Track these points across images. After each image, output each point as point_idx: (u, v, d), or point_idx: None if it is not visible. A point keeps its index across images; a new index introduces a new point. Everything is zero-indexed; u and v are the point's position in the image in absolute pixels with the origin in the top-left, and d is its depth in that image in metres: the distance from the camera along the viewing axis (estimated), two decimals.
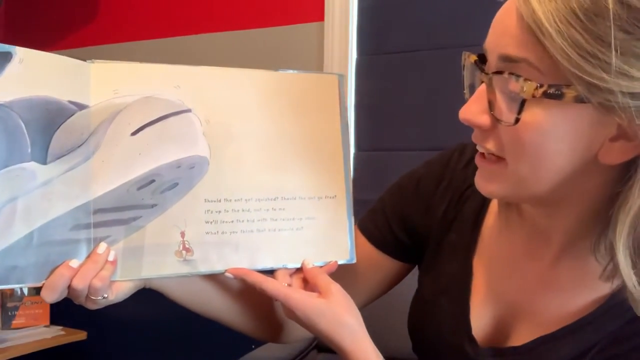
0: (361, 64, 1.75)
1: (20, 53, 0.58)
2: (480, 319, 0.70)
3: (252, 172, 0.69)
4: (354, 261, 0.73)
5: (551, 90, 0.51)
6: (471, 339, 0.68)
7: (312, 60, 1.78)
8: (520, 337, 0.66)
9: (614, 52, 0.48)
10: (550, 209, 0.62)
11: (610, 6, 0.47)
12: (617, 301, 0.60)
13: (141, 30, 2.08)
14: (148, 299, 2.21)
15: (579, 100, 0.50)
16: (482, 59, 0.57)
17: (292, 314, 0.66)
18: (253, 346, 1.42)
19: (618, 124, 0.51)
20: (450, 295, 0.72)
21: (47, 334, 1.87)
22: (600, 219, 0.57)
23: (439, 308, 0.72)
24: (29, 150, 0.58)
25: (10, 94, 0.57)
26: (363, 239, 0.79)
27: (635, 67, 0.48)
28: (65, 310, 1.98)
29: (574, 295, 0.63)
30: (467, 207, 0.73)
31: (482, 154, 0.59)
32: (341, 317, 0.66)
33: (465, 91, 0.60)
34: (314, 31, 1.78)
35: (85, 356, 2.14)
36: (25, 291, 1.89)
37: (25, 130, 0.58)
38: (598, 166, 0.54)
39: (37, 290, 1.92)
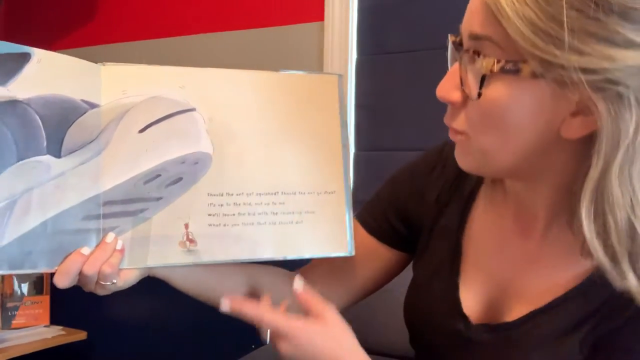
0: (361, 64, 1.75)
1: (39, 54, 0.63)
2: (471, 298, 0.72)
3: (254, 168, 0.72)
4: (353, 254, 0.76)
5: (508, 66, 0.54)
6: (463, 316, 0.71)
7: (312, 60, 1.78)
8: (512, 313, 0.68)
9: (566, 30, 0.51)
10: (527, 183, 0.66)
11: None
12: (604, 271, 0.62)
13: (140, 30, 2.08)
14: (148, 299, 2.20)
15: (535, 75, 0.54)
16: (461, 42, 0.61)
17: (294, 343, 0.65)
18: (253, 346, 1.42)
19: (578, 99, 0.54)
20: (440, 276, 0.75)
21: (47, 334, 1.87)
22: (573, 193, 0.59)
23: (431, 290, 0.75)
24: (45, 144, 0.63)
25: (28, 92, 0.62)
26: (361, 229, 0.83)
27: (586, 44, 0.51)
28: (65, 310, 1.99)
29: (562, 269, 0.66)
30: (457, 195, 0.77)
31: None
32: (340, 339, 0.67)
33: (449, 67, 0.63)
34: (314, 31, 1.78)
35: (85, 356, 2.15)
36: (25, 291, 1.89)
37: (41, 126, 0.63)
38: (562, 141, 0.58)
39: (37, 290, 1.93)
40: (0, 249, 0.60)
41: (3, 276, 1.86)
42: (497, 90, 0.56)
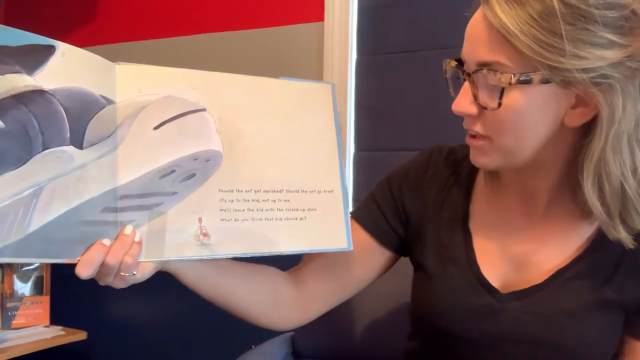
0: (361, 64, 1.75)
1: (63, 47, 0.65)
2: (491, 275, 0.79)
3: (261, 167, 0.77)
4: (351, 248, 0.81)
5: (522, 78, 0.67)
6: (492, 289, 0.78)
7: (312, 60, 1.78)
8: (536, 280, 0.76)
9: (565, 41, 0.64)
10: (534, 171, 0.76)
11: (557, 7, 0.64)
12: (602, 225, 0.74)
13: (140, 31, 2.09)
14: (148, 299, 2.20)
15: (544, 81, 0.67)
16: (460, 63, 0.71)
17: None
18: (253, 346, 1.42)
19: (576, 94, 0.68)
20: (456, 261, 0.81)
21: (47, 334, 1.87)
22: (576, 169, 0.72)
23: (450, 276, 0.81)
24: (68, 135, 0.65)
25: (53, 83, 0.64)
26: (358, 228, 0.88)
27: (582, 50, 0.64)
28: (65, 310, 1.99)
29: (572, 235, 0.77)
30: (454, 189, 0.85)
31: (473, 135, 0.73)
32: None
33: (450, 90, 0.74)
34: (314, 31, 1.78)
35: (85, 356, 2.15)
36: (25, 291, 1.89)
37: (65, 117, 0.65)
38: (565, 131, 0.71)
39: (37, 290, 1.93)
40: (26, 237, 0.62)
41: (3, 276, 1.87)
42: (514, 99, 0.68)
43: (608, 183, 0.69)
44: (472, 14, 0.70)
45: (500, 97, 0.68)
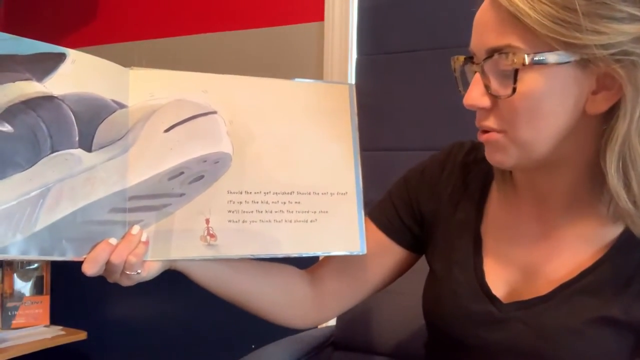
0: (361, 64, 1.75)
1: (73, 55, 0.68)
2: (497, 283, 0.77)
3: (271, 169, 0.77)
4: (364, 252, 0.80)
5: (537, 57, 0.63)
6: (493, 298, 0.76)
7: (312, 60, 1.79)
8: (540, 291, 0.73)
9: (580, 15, 0.61)
10: (551, 171, 0.72)
11: None
12: (627, 237, 0.70)
13: (140, 31, 2.09)
14: (148, 299, 2.20)
15: (562, 62, 0.63)
16: (469, 58, 0.68)
17: None
18: (253, 346, 1.42)
19: (597, 77, 0.64)
20: (462, 265, 0.79)
21: (47, 334, 1.88)
22: (597, 170, 0.67)
23: (454, 280, 0.79)
24: (77, 138, 0.67)
25: (62, 89, 0.67)
26: (373, 227, 0.87)
27: (599, 24, 0.61)
28: (65, 310, 1.99)
29: (583, 247, 0.73)
30: (470, 190, 0.83)
31: (485, 130, 0.70)
32: None
33: (460, 88, 0.70)
34: (314, 31, 1.79)
35: (85, 356, 2.15)
36: (25, 291, 1.89)
37: (74, 121, 0.67)
38: (586, 120, 0.66)
39: (37, 290, 1.93)
40: (32, 235, 0.64)
41: (3, 276, 1.87)
42: (529, 84, 0.64)
43: (634, 170, 0.65)
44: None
45: (515, 82, 0.64)
